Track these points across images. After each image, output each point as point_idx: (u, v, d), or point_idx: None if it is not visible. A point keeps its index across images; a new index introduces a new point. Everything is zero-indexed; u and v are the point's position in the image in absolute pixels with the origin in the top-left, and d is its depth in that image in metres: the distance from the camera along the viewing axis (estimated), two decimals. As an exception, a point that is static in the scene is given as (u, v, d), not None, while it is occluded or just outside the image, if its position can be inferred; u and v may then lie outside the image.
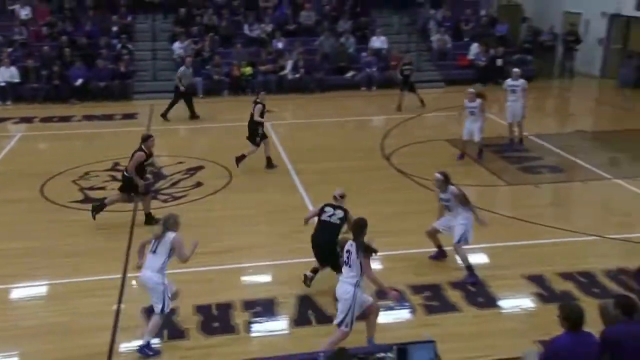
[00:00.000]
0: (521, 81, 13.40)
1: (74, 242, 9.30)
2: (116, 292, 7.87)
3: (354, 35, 20.87)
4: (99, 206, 9.81)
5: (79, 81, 18.31)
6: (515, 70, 13.87)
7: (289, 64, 19.31)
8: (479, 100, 12.20)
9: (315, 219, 7.80)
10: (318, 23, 21.26)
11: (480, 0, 23.10)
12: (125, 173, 9.70)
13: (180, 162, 12.76)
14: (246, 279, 8.36)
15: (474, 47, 20.57)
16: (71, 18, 20.55)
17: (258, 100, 12.02)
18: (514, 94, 13.38)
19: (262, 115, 11.86)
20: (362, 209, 10.19)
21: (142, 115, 16.88)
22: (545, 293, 7.78)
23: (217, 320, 7.32)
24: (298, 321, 7.31)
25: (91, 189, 11.42)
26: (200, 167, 12.54)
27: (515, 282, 8.05)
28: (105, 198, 10.04)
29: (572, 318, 5.10)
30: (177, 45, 19.58)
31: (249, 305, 7.57)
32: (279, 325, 7.29)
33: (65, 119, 16.65)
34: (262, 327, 7.22)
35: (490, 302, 7.63)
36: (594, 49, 21.00)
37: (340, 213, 7.62)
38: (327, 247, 7.45)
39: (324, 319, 7.32)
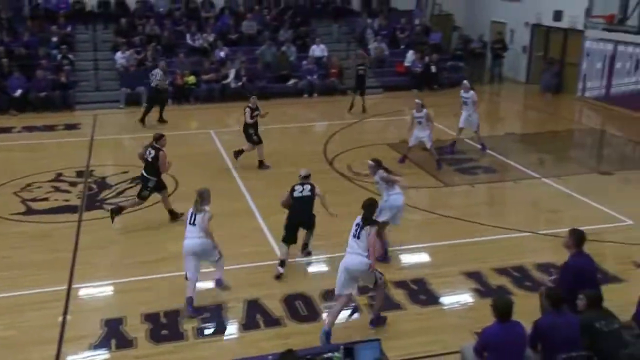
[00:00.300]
0: (471, 93, 13.50)
1: (16, 254, 8.93)
2: (61, 303, 7.59)
3: (295, 44, 20.90)
4: (116, 209, 9.73)
5: (18, 92, 17.62)
6: (464, 82, 13.95)
7: (232, 73, 19.15)
8: (425, 110, 12.37)
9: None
10: (260, 32, 21.19)
11: (414, 10, 23.54)
12: (146, 174, 9.69)
13: (125, 172, 12.44)
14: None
15: (410, 55, 20.93)
16: (8, 28, 19.79)
17: (249, 104, 12.44)
18: (465, 105, 13.53)
19: (251, 117, 12.27)
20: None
21: (85, 126, 16.38)
22: (482, 288, 7.95)
23: (165, 327, 7.16)
24: (247, 325, 7.23)
25: (34, 200, 11.01)
26: (145, 176, 12.25)
27: (454, 279, 8.21)
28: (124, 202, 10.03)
29: (500, 309, 5.38)
30: (119, 55, 19.13)
31: (197, 311, 7.43)
32: (228, 330, 7.19)
33: (5, 130, 15.99)
34: (211, 333, 7.11)
35: (431, 299, 7.74)
36: (520, 56, 21.73)
37: (308, 187, 8.43)
38: (307, 219, 8.45)
39: (272, 322, 7.27)
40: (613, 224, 9.82)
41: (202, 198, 7.54)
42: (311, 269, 8.74)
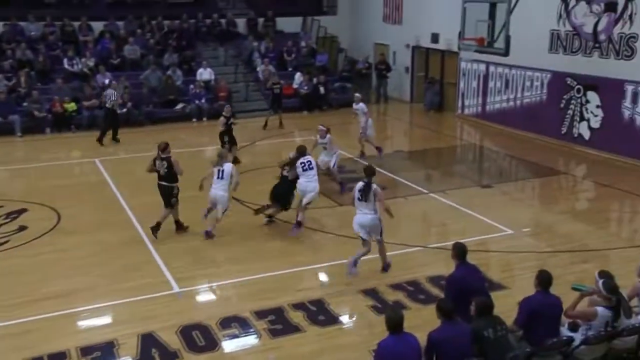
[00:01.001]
0: (360, 105, 14.83)
1: None
2: None
3: (181, 68, 20.59)
4: (155, 227, 10.01)
5: None
6: (356, 95, 15.47)
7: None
8: (329, 136, 12.67)
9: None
10: (143, 57, 20.68)
11: (300, 32, 23.98)
12: (168, 183, 10.03)
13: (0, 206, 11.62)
14: (80, 323, 7.76)
15: (298, 76, 21.24)
16: None
17: (224, 112, 14.17)
18: (357, 117, 14.87)
19: (224, 125, 13.98)
20: (200, 239, 10.06)
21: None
22: (379, 305, 8.11)
23: (52, 372, 6.69)
24: (142, 361, 6.92)
25: None
26: (23, 210, 11.50)
27: (352, 298, 8.32)
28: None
29: (391, 322, 5.55)
30: (-13, 81, 17.92)
31: (85, 351, 7.02)
32: (122, 368, 6.85)
33: None
34: (103, 373, 6.74)
35: (330, 319, 7.79)
36: (403, 76, 22.68)
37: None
38: (286, 194, 10.46)
39: (168, 355, 7.00)
40: (495, 234, 10.41)
41: (221, 157, 10.06)
42: (205, 297, 8.55)
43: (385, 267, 9.01)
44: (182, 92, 19.89)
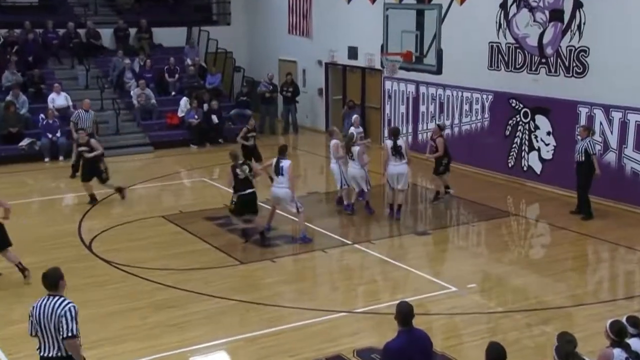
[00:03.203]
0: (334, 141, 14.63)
1: None
2: None
3: (26, 92, 20.03)
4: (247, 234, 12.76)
5: None
6: (332, 129, 15.87)
7: None
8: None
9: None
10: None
11: (184, 47, 23.96)
12: (251, 189, 12.44)
13: None
14: None
15: (184, 103, 21.18)
16: None
17: (248, 125, 16.77)
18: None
19: (244, 137, 16.46)
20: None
21: None
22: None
23: None
24: None
25: None
26: None
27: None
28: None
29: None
30: None
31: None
32: None
33: None
34: None
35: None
36: (316, 100, 23.08)
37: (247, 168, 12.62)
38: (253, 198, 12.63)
39: None
40: (435, 293, 10.61)
41: (281, 151, 12.69)
42: None
43: (303, 238, 12.73)
44: (29, 124, 19.31)
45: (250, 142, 16.35)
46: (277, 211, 13.20)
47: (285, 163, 12.45)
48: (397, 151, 13.54)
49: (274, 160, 12.63)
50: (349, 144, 13.96)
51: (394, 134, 13.95)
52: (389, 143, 13.78)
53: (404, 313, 6.45)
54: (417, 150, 17.81)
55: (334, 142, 14.46)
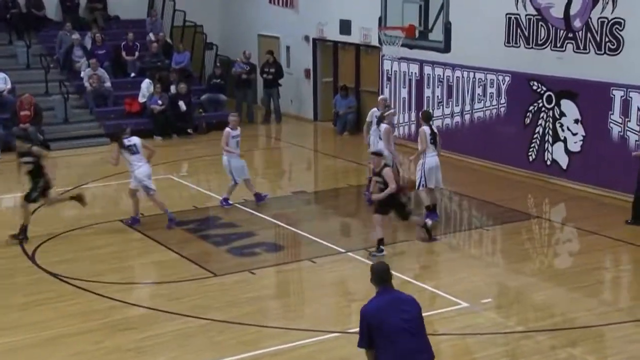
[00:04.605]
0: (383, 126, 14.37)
1: None
2: None
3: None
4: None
5: None
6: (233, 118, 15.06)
7: None
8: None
9: None
10: None
11: (146, 20, 23.84)
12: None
13: None
14: None
15: (146, 86, 21.09)
16: None
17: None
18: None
19: None
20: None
21: None
22: None
23: None
24: None
25: None
26: None
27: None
28: None
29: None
30: None
31: None
32: None
33: None
34: None
35: None
36: (302, 83, 23.05)
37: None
38: None
39: None
40: (444, 309, 10.59)
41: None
42: None
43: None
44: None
45: None
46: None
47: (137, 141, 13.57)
48: (434, 140, 13.60)
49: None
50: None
51: (429, 118, 14.10)
52: (426, 129, 13.63)
53: (379, 272, 6.57)
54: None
55: (384, 126, 14.19)
